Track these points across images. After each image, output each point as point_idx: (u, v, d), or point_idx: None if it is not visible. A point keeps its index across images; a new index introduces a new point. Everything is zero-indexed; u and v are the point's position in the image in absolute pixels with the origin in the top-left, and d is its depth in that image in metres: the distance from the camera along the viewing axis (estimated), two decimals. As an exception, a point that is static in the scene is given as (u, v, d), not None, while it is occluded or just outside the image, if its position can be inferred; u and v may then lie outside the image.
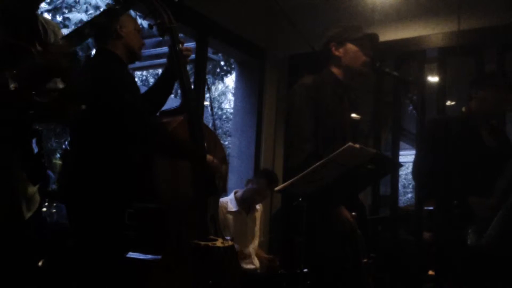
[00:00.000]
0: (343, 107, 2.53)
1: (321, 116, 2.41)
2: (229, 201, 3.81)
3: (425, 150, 2.97)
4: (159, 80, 2.71)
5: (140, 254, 2.34)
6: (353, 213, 2.35)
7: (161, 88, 2.67)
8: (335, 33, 2.55)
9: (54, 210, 4.24)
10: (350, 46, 2.51)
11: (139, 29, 2.49)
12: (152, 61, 6.35)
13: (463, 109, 3.00)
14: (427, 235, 4.51)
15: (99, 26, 1.70)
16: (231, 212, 3.76)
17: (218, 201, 2.83)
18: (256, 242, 3.84)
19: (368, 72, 2.56)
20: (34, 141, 1.67)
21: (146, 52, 6.36)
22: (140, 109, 2.30)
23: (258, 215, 3.90)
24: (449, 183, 2.79)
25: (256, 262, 3.77)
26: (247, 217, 3.81)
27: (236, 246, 3.63)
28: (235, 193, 3.88)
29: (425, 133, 3.06)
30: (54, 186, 4.38)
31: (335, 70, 2.55)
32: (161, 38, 2.65)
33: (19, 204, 1.69)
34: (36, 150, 1.67)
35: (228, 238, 2.78)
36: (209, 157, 2.44)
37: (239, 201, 3.81)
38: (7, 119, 1.55)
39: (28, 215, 1.72)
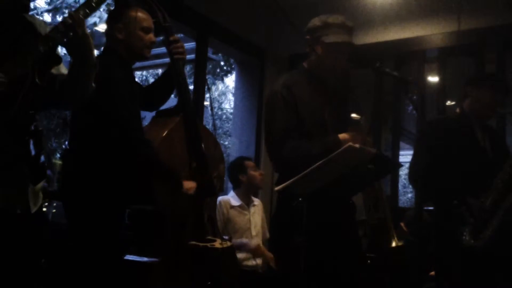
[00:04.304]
0: (322, 101, 2.46)
1: (300, 114, 2.36)
2: (231, 197, 3.84)
3: (422, 151, 2.95)
4: (161, 77, 2.71)
5: (138, 257, 2.34)
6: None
7: (162, 85, 2.66)
8: (314, 26, 2.46)
9: (54, 210, 4.24)
10: (325, 46, 2.41)
11: (147, 27, 2.41)
12: (152, 61, 6.35)
13: (457, 109, 2.99)
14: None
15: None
16: (234, 207, 3.80)
17: (215, 202, 2.84)
18: (259, 238, 3.85)
19: (339, 73, 2.49)
20: (31, 142, 1.67)
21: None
22: (130, 123, 2.30)
23: (257, 209, 3.93)
24: (445, 183, 2.78)
25: (258, 259, 3.78)
26: (249, 211, 3.85)
27: (245, 240, 3.70)
28: (235, 190, 3.93)
29: (421, 134, 3.04)
30: (54, 186, 4.38)
31: (310, 64, 2.49)
32: (161, 38, 2.64)
33: (27, 198, 1.70)
34: (33, 151, 1.67)
35: (226, 237, 2.78)
36: (189, 184, 2.43)
37: (240, 195, 3.85)
38: (7, 119, 1.55)
39: (34, 209, 1.72)
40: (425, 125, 3.17)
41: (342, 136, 2.32)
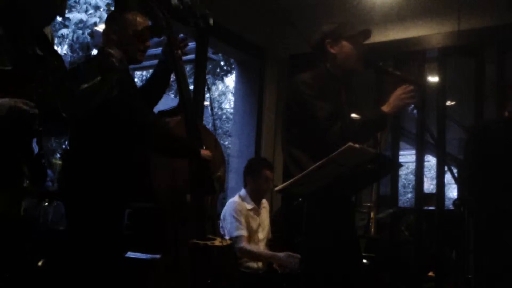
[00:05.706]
0: (341, 102, 2.51)
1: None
2: (243, 199, 3.81)
3: (474, 157, 2.95)
4: (154, 74, 2.71)
5: (139, 254, 2.34)
6: None
7: (158, 81, 2.67)
8: (330, 30, 2.53)
9: (53, 210, 4.24)
10: (345, 43, 2.49)
11: (142, 31, 2.41)
12: (152, 61, 6.32)
13: (506, 113, 2.98)
14: None
15: None
16: (249, 209, 3.77)
17: (215, 201, 2.83)
18: (264, 242, 3.84)
19: (361, 69, 2.55)
20: (34, 141, 1.67)
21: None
22: (142, 106, 2.31)
23: (265, 211, 3.93)
24: (493, 188, 2.78)
25: (260, 262, 3.77)
26: (259, 213, 3.85)
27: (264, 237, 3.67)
28: (245, 188, 3.92)
29: (469, 140, 3.05)
30: (51, 185, 4.38)
31: (330, 66, 2.53)
32: (161, 38, 2.64)
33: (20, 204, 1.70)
34: (36, 150, 1.67)
35: (227, 237, 2.79)
36: (206, 152, 2.44)
37: (250, 196, 3.83)
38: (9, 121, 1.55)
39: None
40: (472, 129, 3.17)
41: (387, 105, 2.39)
